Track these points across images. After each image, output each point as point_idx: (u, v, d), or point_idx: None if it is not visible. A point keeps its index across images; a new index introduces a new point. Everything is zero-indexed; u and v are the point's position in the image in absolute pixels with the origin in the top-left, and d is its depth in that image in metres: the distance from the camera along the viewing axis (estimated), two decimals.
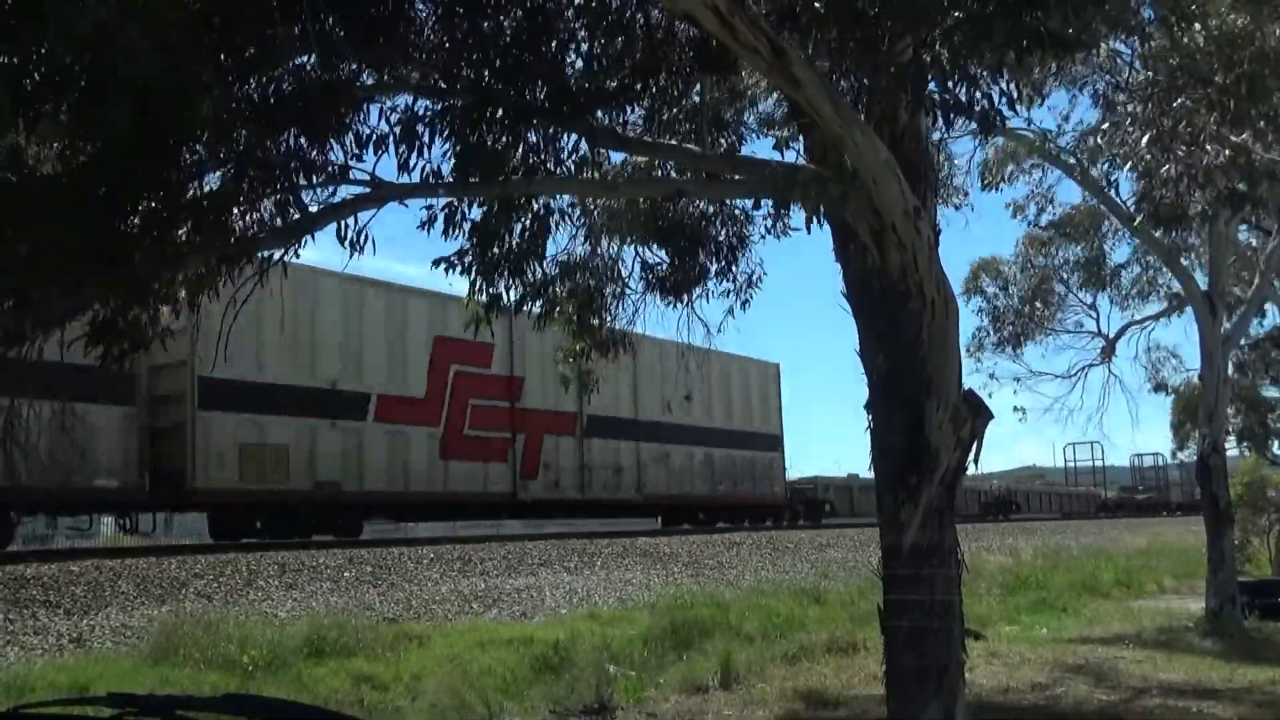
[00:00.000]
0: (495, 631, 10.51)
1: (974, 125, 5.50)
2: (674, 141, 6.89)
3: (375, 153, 5.76)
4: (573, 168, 6.38)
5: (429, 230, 6.04)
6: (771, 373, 30.98)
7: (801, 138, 6.66)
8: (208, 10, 4.70)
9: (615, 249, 8.71)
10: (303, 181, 5.66)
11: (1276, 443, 28.56)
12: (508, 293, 6.81)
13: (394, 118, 5.75)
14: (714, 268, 8.40)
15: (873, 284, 5.84)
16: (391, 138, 5.67)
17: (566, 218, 7.80)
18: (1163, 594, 18.69)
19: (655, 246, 8.51)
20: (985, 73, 4.89)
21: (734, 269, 8.48)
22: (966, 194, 14.51)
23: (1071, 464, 65.54)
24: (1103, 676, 10.39)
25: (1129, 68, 8.65)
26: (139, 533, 17.43)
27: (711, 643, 10.75)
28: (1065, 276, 19.17)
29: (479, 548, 15.75)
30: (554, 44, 5.87)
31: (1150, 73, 8.47)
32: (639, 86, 6.21)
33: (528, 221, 6.67)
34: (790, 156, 7.58)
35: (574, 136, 6.15)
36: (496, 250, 6.59)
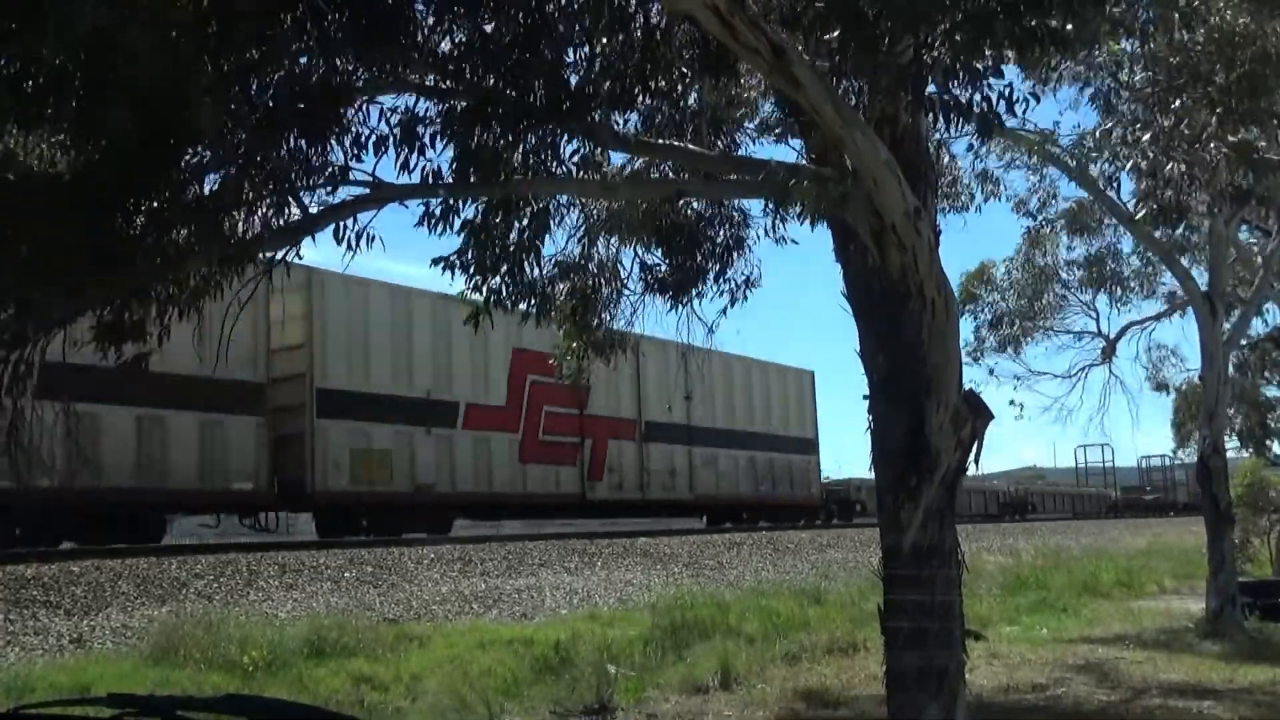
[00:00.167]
0: (495, 632, 10.51)
1: (973, 128, 5.49)
2: (674, 142, 6.88)
3: (375, 153, 5.77)
4: (572, 168, 6.38)
5: (430, 227, 6.04)
6: (807, 380, 32.63)
7: (801, 138, 6.66)
8: (207, 12, 4.70)
9: (614, 250, 8.70)
10: (303, 182, 5.66)
11: (1277, 443, 28.54)
12: (504, 292, 6.83)
13: (394, 119, 5.76)
14: (713, 269, 8.40)
15: (873, 284, 5.84)
16: (392, 138, 5.67)
17: (564, 218, 7.82)
18: (1163, 594, 18.68)
19: (653, 247, 8.50)
20: (986, 71, 4.88)
21: (729, 271, 8.49)
22: (973, 196, 14.49)
23: (1082, 465, 66.37)
24: (1103, 677, 10.39)
25: (1129, 68, 8.65)
26: (266, 530, 18.83)
27: (712, 643, 10.75)
28: (1065, 277, 19.16)
29: (479, 548, 15.75)
30: (554, 44, 5.86)
31: (1150, 72, 8.48)
32: (639, 87, 6.21)
33: (525, 221, 6.68)
34: (787, 150, 7.60)
35: (574, 137, 6.15)
36: (495, 249, 6.61)
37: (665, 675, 9.77)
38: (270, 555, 13.24)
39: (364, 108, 5.82)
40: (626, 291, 8.91)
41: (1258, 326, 20.29)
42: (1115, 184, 13.02)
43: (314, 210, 5.83)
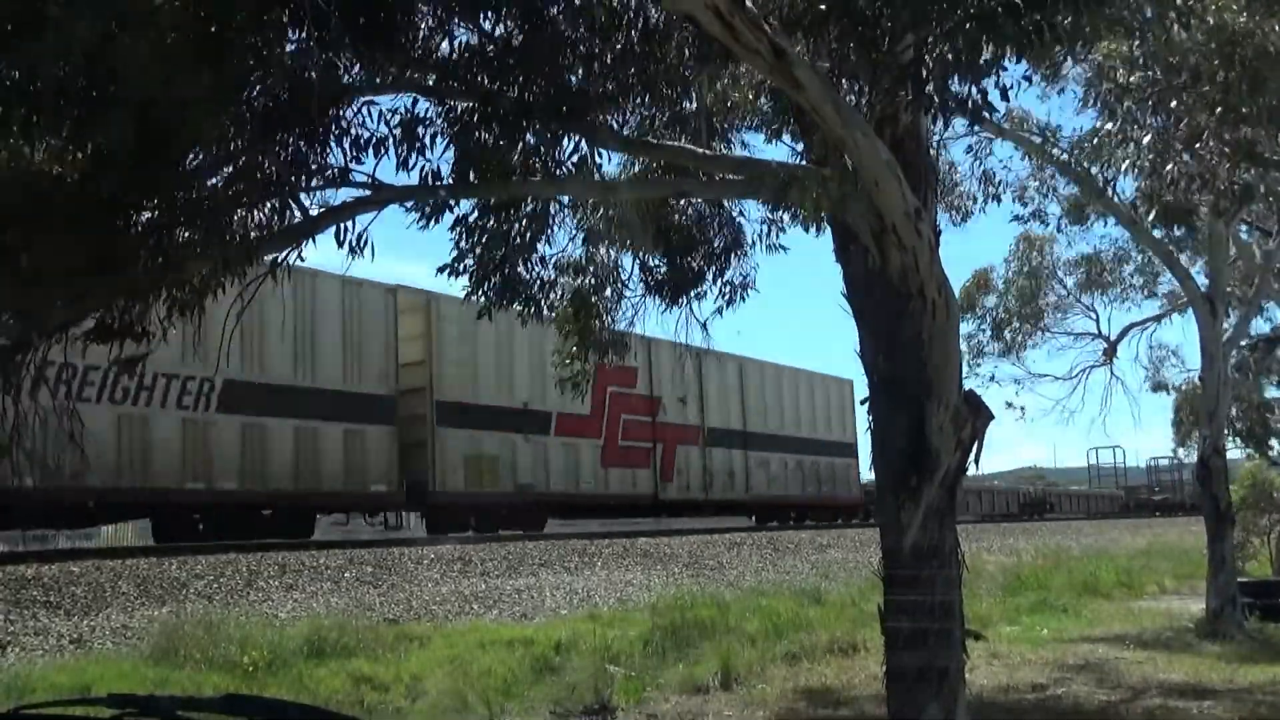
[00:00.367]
0: (495, 632, 10.51)
1: (966, 121, 5.49)
2: (674, 142, 6.88)
3: (375, 155, 5.77)
4: (572, 168, 6.38)
5: (426, 219, 6.05)
6: (846, 388, 34.38)
7: (802, 139, 6.65)
8: (206, 18, 4.69)
9: (614, 252, 8.70)
10: (302, 185, 5.66)
11: (1278, 443, 28.53)
12: (503, 293, 6.86)
13: (394, 120, 5.76)
14: (711, 271, 8.40)
15: (873, 285, 5.83)
16: (391, 140, 5.67)
17: (564, 219, 7.82)
18: (1163, 595, 18.69)
19: (653, 249, 8.50)
20: (988, 68, 4.87)
21: (727, 272, 8.50)
22: (975, 199, 14.46)
23: (1094, 466, 67.63)
24: (1103, 677, 10.39)
25: (1128, 69, 8.63)
26: (392, 528, 21.47)
27: (712, 643, 10.74)
28: (1063, 277, 19.14)
29: (479, 548, 15.75)
30: (554, 45, 5.86)
31: (1151, 71, 8.46)
32: (639, 87, 6.21)
33: (524, 223, 6.69)
34: (784, 149, 7.59)
35: (574, 137, 6.15)
36: (487, 248, 6.63)
37: (665, 675, 9.77)
38: (270, 555, 13.24)
39: (363, 109, 5.82)
40: (628, 294, 8.91)
41: (1259, 326, 20.31)
42: (1112, 186, 13.01)
43: (314, 212, 5.83)
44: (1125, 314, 20.18)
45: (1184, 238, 15.37)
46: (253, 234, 5.69)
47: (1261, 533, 18.75)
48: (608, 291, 8.82)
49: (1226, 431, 18.36)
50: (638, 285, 8.85)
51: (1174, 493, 61.53)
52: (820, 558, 19.34)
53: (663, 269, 8.63)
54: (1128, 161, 9.42)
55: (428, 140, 5.69)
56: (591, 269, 8.54)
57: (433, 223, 6.07)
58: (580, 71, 6.05)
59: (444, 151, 5.77)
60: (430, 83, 6.03)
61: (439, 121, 5.85)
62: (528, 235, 6.95)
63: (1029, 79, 5.35)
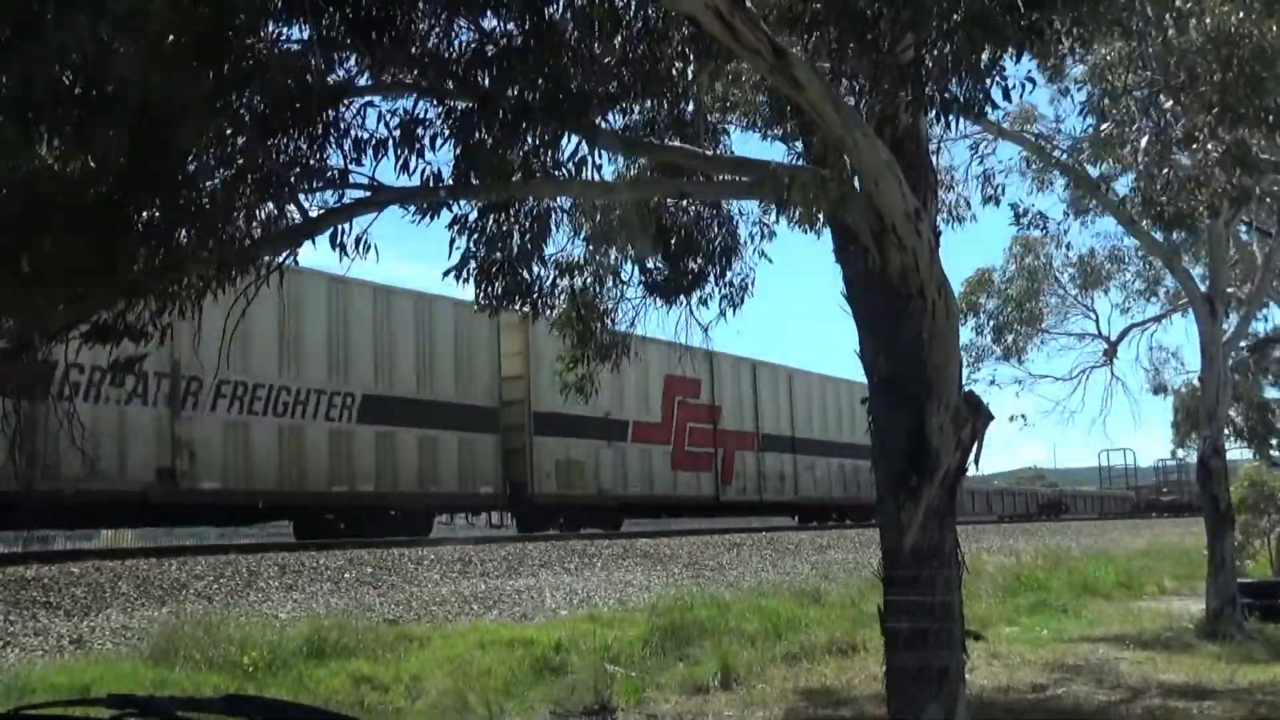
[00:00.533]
0: (496, 633, 10.51)
1: (969, 121, 5.49)
2: (674, 143, 6.88)
3: (375, 156, 5.77)
4: (573, 169, 6.38)
5: (425, 215, 6.06)
6: None
7: (801, 139, 6.65)
8: (204, 21, 4.68)
9: (613, 254, 8.70)
10: (302, 186, 5.65)
11: (1278, 442, 28.52)
12: (506, 296, 6.87)
13: (393, 122, 5.76)
14: (712, 272, 8.40)
15: (873, 286, 5.84)
16: (391, 141, 5.67)
17: (561, 222, 7.82)
18: (1163, 595, 18.68)
19: (652, 251, 8.50)
20: (988, 69, 4.87)
21: (727, 274, 8.49)
22: (967, 203, 14.44)
23: (1105, 467, 69.35)
24: (1103, 677, 10.39)
25: (1125, 69, 8.63)
26: (496, 527, 23.55)
27: (712, 644, 10.74)
28: (1060, 277, 19.11)
29: (479, 549, 15.75)
30: (554, 45, 5.86)
31: (1149, 72, 8.46)
32: (639, 88, 6.20)
33: (525, 224, 6.69)
34: (780, 149, 7.59)
35: (574, 138, 6.15)
36: (490, 250, 6.64)
37: (665, 676, 9.77)
38: (270, 556, 13.24)
39: (363, 110, 5.82)
40: (628, 297, 8.92)
41: (1259, 326, 20.29)
42: (1109, 188, 13.01)
43: (314, 214, 5.83)
44: (1127, 318, 20.13)
45: (1185, 241, 15.36)
46: (253, 234, 5.69)
47: (1261, 534, 18.75)
48: (607, 292, 8.82)
49: (1227, 431, 18.35)
50: (638, 287, 8.85)
51: (1181, 494, 62.61)
52: (820, 558, 19.33)
53: (663, 271, 8.63)
54: (1122, 164, 9.43)
55: (427, 142, 5.69)
56: (590, 269, 8.54)
57: (432, 219, 6.08)
58: (580, 71, 6.05)
59: (442, 148, 5.77)
60: (430, 83, 6.03)
61: (438, 123, 5.85)
62: (528, 237, 6.95)
63: (1032, 80, 5.34)
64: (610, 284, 8.80)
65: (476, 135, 5.65)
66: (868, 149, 5.05)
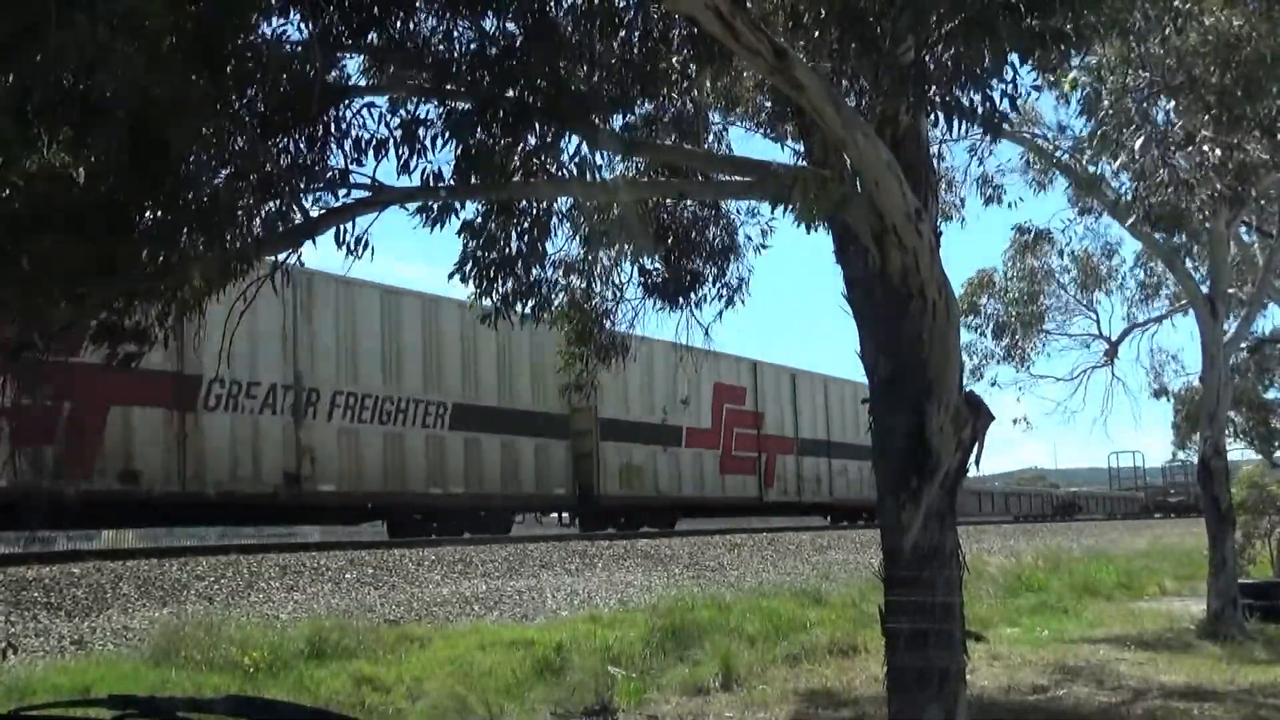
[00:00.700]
0: (496, 633, 10.50)
1: (979, 129, 5.48)
2: (674, 143, 6.88)
3: (375, 157, 5.77)
4: (573, 170, 6.38)
5: (431, 224, 6.06)
6: None
7: (802, 140, 6.65)
8: (203, 23, 4.69)
9: (612, 255, 8.70)
10: (303, 187, 5.66)
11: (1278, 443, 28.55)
12: (508, 298, 6.88)
13: (394, 122, 5.76)
14: (711, 273, 8.40)
15: (874, 286, 5.84)
16: (392, 141, 5.67)
17: (561, 223, 7.83)
18: (1164, 596, 18.67)
19: (651, 251, 8.50)
20: (989, 72, 4.86)
21: (726, 274, 8.50)
22: (962, 202, 14.42)
23: (1114, 469, 69.79)
24: (1103, 678, 10.39)
25: (1123, 70, 8.63)
26: (567, 525, 25.65)
27: (713, 644, 10.74)
28: (1060, 278, 19.09)
29: (479, 549, 15.75)
30: (555, 45, 5.86)
31: (1148, 73, 8.46)
32: (639, 88, 6.21)
33: (526, 224, 6.69)
34: (777, 148, 7.59)
35: (575, 139, 6.16)
36: (493, 251, 6.65)
37: (666, 676, 9.77)
38: (271, 557, 13.24)
39: (363, 111, 5.82)
40: (627, 298, 8.92)
41: (1260, 326, 20.25)
42: (1105, 187, 12.99)
43: (315, 214, 5.83)
44: (1129, 319, 20.08)
45: (1185, 243, 15.35)
46: (254, 234, 5.69)
47: (1262, 535, 18.74)
48: (607, 292, 8.82)
49: (1228, 432, 18.33)
50: (637, 287, 8.86)
51: (1188, 495, 63.26)
52: (821, 559, 19.32)
53: (662, 272, 8.63)
54: (1118, 162, 9.42)
55: (428, 142, 5.69)
56: (589, 270, 8.54)
57: (439, 227, 6.08)
58: (580, 72, 6.05)
59: (443, 149, 5.77)
60: (430, 83, 6.03)
61: (439, 123, 5.85)
62: (529, 238, 6.95)
63: (1038, 89, 5.35)
64: (607, 283, 8.79)
65: (477, 135, 5.65)
66: (868, 149, 5.05)
